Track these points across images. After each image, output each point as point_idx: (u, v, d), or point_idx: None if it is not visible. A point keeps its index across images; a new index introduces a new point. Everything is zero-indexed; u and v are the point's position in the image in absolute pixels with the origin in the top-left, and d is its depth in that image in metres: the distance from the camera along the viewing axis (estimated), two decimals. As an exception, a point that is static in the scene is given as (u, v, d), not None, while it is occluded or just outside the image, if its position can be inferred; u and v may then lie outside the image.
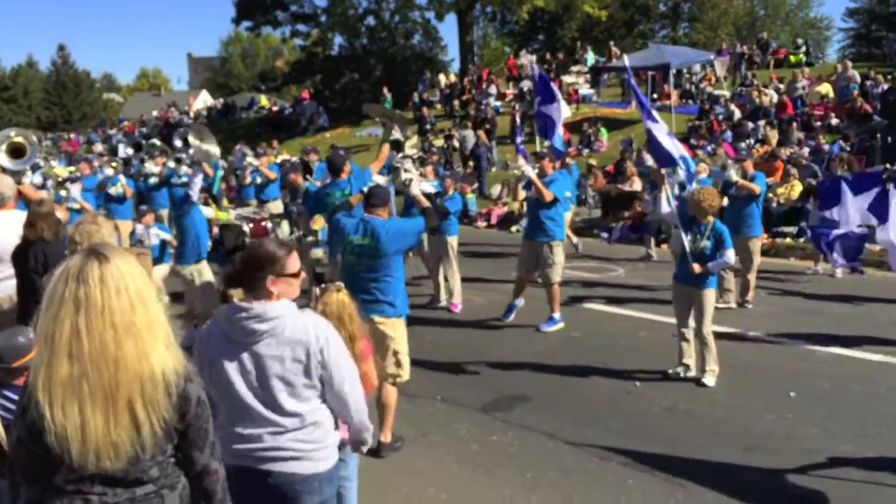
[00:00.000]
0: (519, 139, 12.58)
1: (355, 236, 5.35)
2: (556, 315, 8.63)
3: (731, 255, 6.69)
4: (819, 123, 17.42)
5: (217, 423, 2.46)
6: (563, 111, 10.64)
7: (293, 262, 3.09)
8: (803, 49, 27.06)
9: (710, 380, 6.70)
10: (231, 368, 2.98)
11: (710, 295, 6.74)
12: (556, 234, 8.56)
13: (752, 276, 9.30)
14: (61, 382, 2.11)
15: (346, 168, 7.67)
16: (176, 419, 2.27)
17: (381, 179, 7.57)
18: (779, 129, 17.56)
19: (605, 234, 14.87)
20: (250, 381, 2.98)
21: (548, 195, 8.35)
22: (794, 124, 17.43)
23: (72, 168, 12.86)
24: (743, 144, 17.39)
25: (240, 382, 2.97)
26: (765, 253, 12.46)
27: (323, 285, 4.03)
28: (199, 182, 8.07)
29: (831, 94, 19.29)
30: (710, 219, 6.74)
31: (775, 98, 19.66)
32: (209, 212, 9.19)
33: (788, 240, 12.76)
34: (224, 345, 3.01)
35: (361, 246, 5.31)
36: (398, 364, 5.42)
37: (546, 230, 8.51)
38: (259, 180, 13.42)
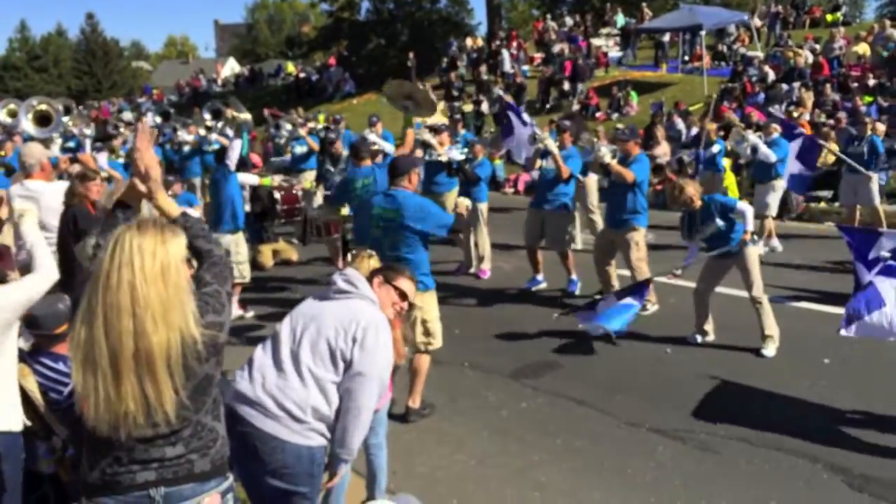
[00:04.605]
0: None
1: (380, 207, 5.31)
2: (574, 277, 8.63)
3: (742, 206, 6.43)
4: (856, 84, 16.97)
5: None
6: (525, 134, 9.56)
7: (403, 284, 3.67)
8: (841, 9, 26.35)
9: (769, 350, 6.49)
10: (298, 312, 3.38)
11: (752, 255, 6.50)
12: (569, 203, 8.55)
13: (639, 274, 7.62)
14: (79, 348, 2.18)
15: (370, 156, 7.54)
16: (212, 365, 2.33)
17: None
18: (814, 90, 17.13)
19: None
20: (301, 326, 3.28)
21: (565, 171, 8.27)
22: (829, 86, 16.99)
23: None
24: (776, 107, 17.03)
25: (291, 323, 3.32)
26: (798, 217, 12.31)
27: (353, 252, 4.05)
28: (237, 150, 7.84)
29: (868, 54, 18.77)
30: (699, 203, 6.54)
31: (811, 59, 19.16)
32: (254, 178, 9.11)
33: (823, 204, 12.52)
34: (317, 297, 3.45)
35: (385, 218, 5.24)
36: (427, 332, 5.41)
37: (558, 200, 8.46)
38: (298, 150, 12.62)
